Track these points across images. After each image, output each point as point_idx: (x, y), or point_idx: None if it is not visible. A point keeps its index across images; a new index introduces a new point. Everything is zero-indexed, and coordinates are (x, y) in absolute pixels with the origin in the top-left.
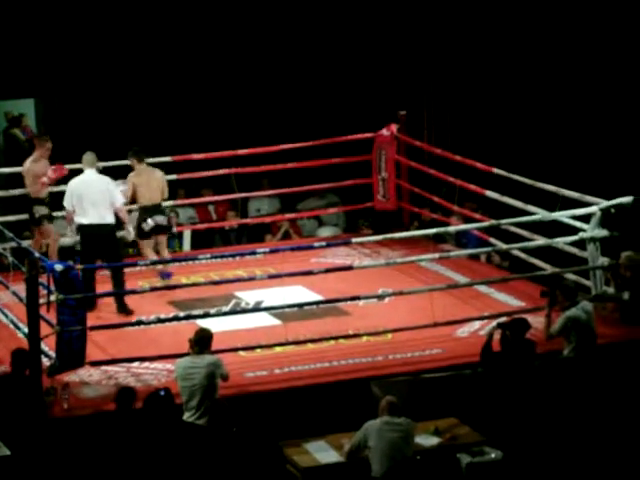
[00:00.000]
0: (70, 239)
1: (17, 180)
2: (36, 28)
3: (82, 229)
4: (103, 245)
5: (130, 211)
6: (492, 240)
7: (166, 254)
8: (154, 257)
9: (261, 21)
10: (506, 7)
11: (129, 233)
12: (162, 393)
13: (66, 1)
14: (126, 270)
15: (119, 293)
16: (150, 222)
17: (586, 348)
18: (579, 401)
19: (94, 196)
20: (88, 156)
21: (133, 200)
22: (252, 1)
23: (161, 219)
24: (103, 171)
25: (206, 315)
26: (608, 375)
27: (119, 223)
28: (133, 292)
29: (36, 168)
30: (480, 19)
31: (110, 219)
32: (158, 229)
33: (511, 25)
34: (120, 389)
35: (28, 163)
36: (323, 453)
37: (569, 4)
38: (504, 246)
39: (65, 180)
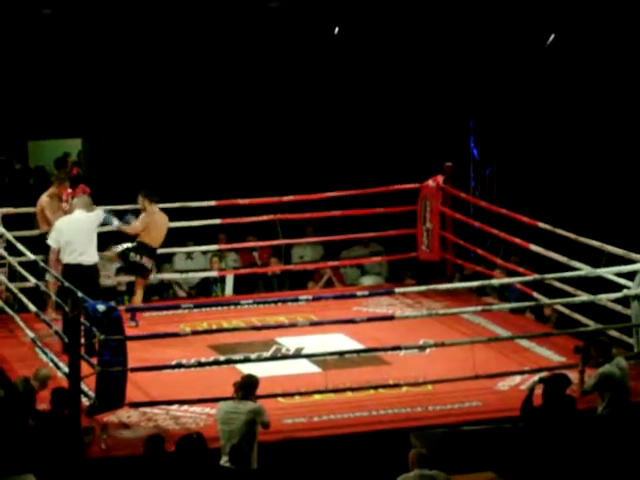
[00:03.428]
0: (111, 280)
1: None
2: (86, 69)
3: (67, 268)
4: (84, 285)
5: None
6: (535, 294)
7: (139, 298)
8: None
9: (314, 69)
10: (551, 63)
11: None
12: (194, 437)
13: (116, 44)
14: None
15: (166, 335)
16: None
17: (620, 405)
18: (614, 459)
19: (80, 236)
20: (85, 199)
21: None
22: (303, 51)
23: (147, 260)
24: None
25: (246, 360)
26: None
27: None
28: (175, 335)
29: (49, 205)
30: (528, 74)
31: (95, 259)
32: (138, 267)
33: (557, 81)
34: (148, 437)
35: (42, 198)
36: None
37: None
38: (547, 301)
39: None
